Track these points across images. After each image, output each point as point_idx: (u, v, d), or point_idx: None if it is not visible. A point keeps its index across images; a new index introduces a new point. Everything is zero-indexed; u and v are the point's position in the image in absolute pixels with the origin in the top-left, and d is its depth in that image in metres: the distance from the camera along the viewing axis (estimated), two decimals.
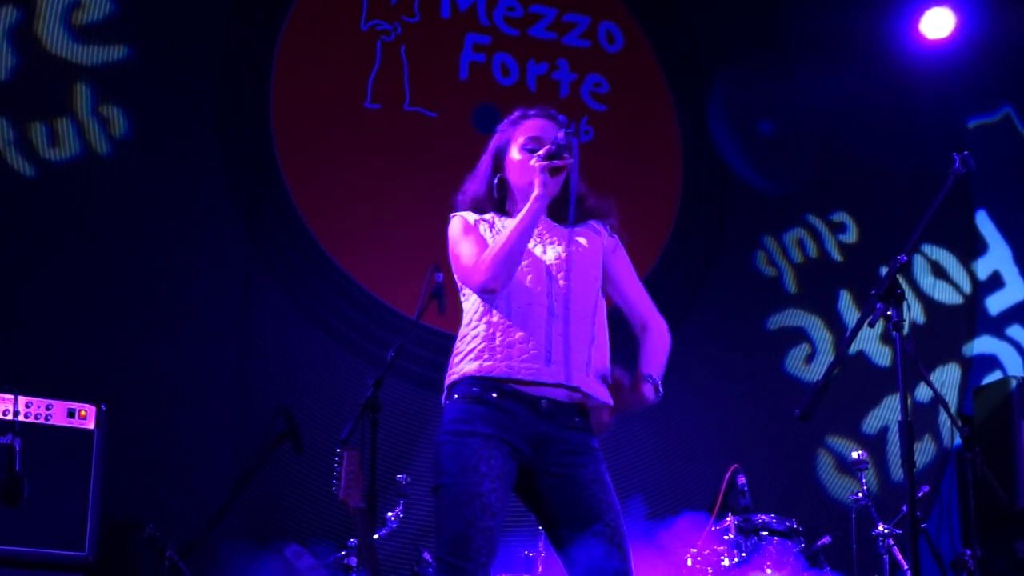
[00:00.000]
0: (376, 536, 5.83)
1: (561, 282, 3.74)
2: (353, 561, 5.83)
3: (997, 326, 8.90)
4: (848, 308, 8.49)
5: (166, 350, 6.74)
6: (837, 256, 8.60)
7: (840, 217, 8.67)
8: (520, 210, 3.74)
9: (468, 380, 3.70)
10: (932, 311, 8.73)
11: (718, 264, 8.28)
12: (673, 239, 8.10)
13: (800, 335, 8.40)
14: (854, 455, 6.53)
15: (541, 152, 3.74)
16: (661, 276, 7.89)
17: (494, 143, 4.01)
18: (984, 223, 8.97)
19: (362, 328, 7.26)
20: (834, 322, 8.44)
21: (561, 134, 3.75)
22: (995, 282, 8.96)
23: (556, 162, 3.70)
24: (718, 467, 6.55)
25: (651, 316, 3.98)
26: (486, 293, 3.70)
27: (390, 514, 6.11)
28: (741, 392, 8.01)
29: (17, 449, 4.71)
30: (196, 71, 7.18)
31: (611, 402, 3.78)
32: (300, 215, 7.29)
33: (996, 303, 8.94)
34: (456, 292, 4.00)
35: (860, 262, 8.53)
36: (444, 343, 7.32)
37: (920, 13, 8.44)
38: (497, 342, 3.68)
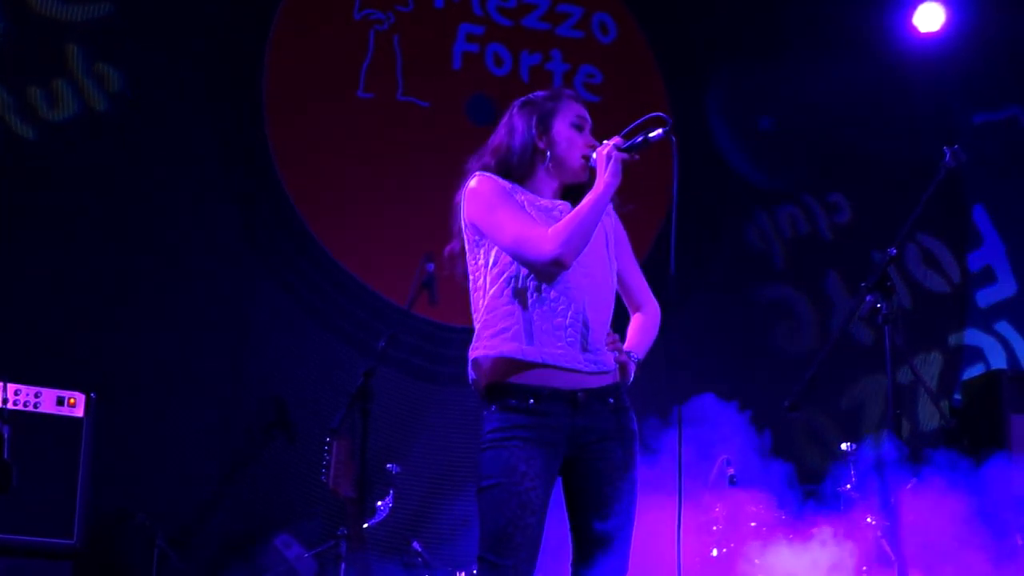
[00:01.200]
0: (366, 525, 5.83)
1: (590, 269, 3.74)
2: (343, 550, 5.82)
3: (985, 319, 8.93)
4: (836, 287, 8.55)
5: (158, 339, 6.74)
6: (829, 235, 8.68)
7: (836, 199, 8.74)
8: (564, 184, 3.81)
9: (504, 388, 3.67)
10: (920, 298, 8.78)
11: (711, 241, 8.30)
12: (664, 229, 8.10)
13: (786, 310, 8.46)
14: (843, 447, 6.53)
15: (619, 141, 3.74)
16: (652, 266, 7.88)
17: (531, 112, 3.89)
18: (981, 217, 9.01)
19: (353, 317, 7.25)
20: (820, 299, 8.50)
21: (660, 132, 3.74)
22: (987, 276, 8.99)
23: (629, 156, 3.72)
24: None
25: (647, 299, 3.99)
26: (556, 267, 3.63)
27: (380, 503, 6.11)
28: (724, 362, 8.02)
29: (5, 437, 4.70)
30: (189, 65, 7.16)
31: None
32: (292, 203, 7.29)
33: (986, 297, 8.97)
34: (456, 271, 3.95)
35: (852, 244, 8.62)
36: (435, 332, 7.38)
37: (913, 8, 8.53)
38: (534, 325, 3.65)
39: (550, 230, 3.63)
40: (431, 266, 5.65)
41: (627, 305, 3.99)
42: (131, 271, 6.80)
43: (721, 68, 8.51)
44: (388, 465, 6.26)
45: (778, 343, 8.36)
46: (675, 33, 8.55)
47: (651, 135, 3.73)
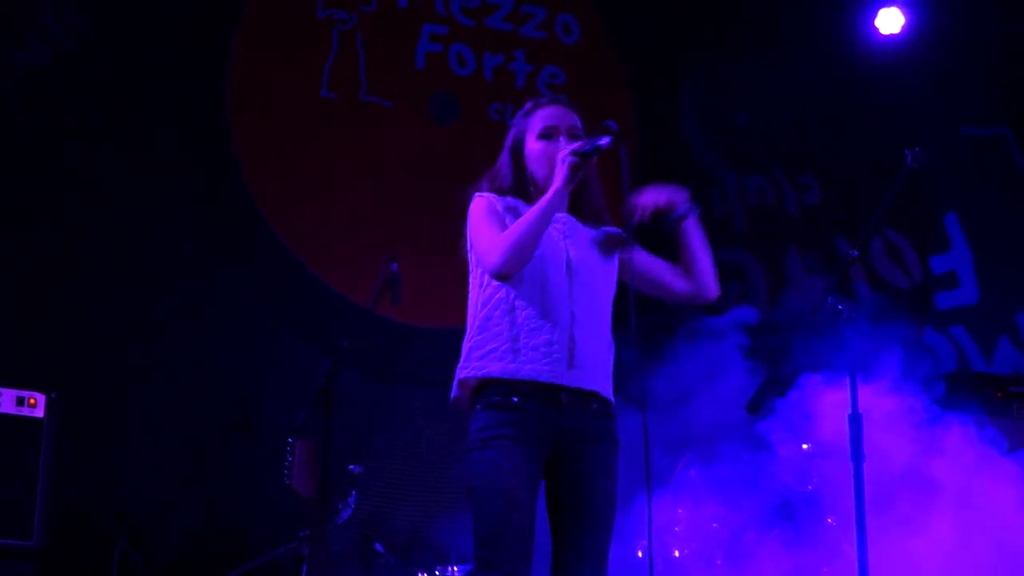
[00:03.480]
0: (328, 526, 5.81)
1: (582, 284, 3.75)
2: (305, 551, 5.80)
3: (942, 321, 9.04)
4: (795, 262, 8.63)
5: (119, 338, 6.70)
6: (795, 212, 8.76)
7: (807, 180, 8.84)
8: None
9: (488, 387, 3.69)
10: (878, 289, 8.88)
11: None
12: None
13: (740, 272, 8.54)
14: (804, 447, 6.56)
15: (576, 146, 3.73)
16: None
17: (511, 137, 3.95)
18: (952, 225, 9.14)
19: (316, 317, 7.24)
20: (776, 270, 8.58)
21: (607, 140, 3.72)
22: (950, 281, 9.10)
23: (580, 160, 3.70)
24: None
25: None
26: (499, 278, 3.67)
27: (342, 504, 6.09)
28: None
29: None
30: (152, 62, 7.12)
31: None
32: (255, 203, 7.27)
33: (945, 300, 9.08)
34: (466, 277, 3.96)
35: (817, 225, 8.75)
36: (399, 333, 7.37)
37: (875, 11, 8.68)
38: (520, 343, 3.68)
39: (496, 241, 3.66)
40: (394, 266, 5.63)
41: (667, 277, 3.92)
42: (93, 270, 6.76)
43: (687, 67, 8.55)
44: (350, 466, 6.24)
45: (727, 304, 8.45)
46: (639, 33, 8.58)
47: (600, 142, 3.72)
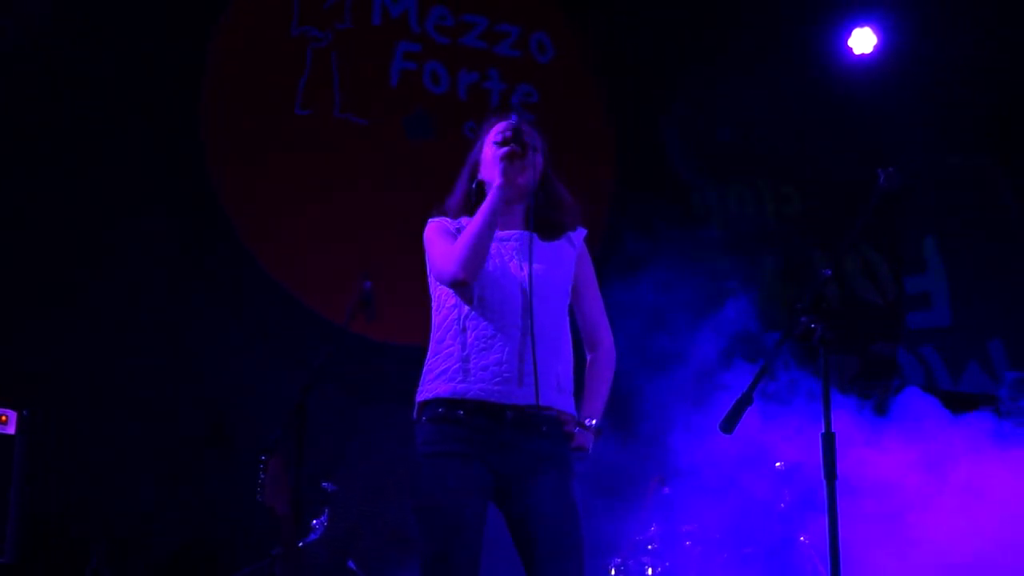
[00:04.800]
0: (300, 544, 5.80)
1: (535, 300, 3.74)
2: (277, 570, 5.78)
3: (912, 339, 9.11)
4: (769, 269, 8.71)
5: (93, 354, 6.67)
6: (773, 221, 8.85)
7: (788, 191, 8.92)
8: (518, 203, 3.78)
9: (436, 401, 3.70)
10: (851, 304, 8.95)
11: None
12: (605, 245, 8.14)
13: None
14: (777, 464, 6.58)
15: (497, 140, 3.78)
16: None
17: (472, 153, 4.00)
18: (930, 248, 9.23)
19: (290, 334, 7.22)
20: (751, 276, 8.64)
21: (513, 119, 3.78)
22: (923, 302, 9.18)
23: (511, 147, 3.73)
24: None
25: (603, 335, 3.99)
26: (457, 285, 3.69)
27: (315, 522, 6.08)
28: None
29: None
30: (127, 77, 7.10)
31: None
32: (229, 219, 7.25)
33: (917, 320, 9.15)
34: (427, 299, 3.99)
35: (795, 234, 8.85)
36: (373, 351, 7.36)
37: (849, 31, 8.79)
38: (470, 364, 3.68)
39: (449, 251, 3.69)
40: (368, 284, 5.62)
41: (583, 336, 4.00)
42: (65, 285, 6.73)
43: (663, 82, 8.59)
44: (323, 483, 6.23)
45: (699, 305, 8.49)
46: (614, 50, 8.62)
47: (511, 119, 3.82)
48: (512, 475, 3.69)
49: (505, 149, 3.74)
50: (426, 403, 3.74)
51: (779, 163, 8.98)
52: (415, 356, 7.24)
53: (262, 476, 5.29)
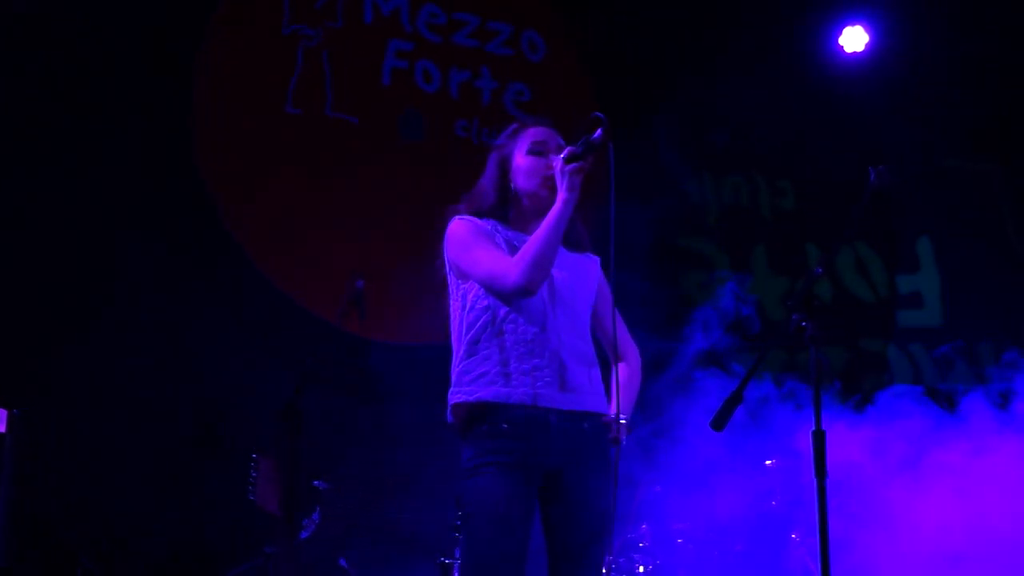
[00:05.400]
0: (293, 543, 5.80)
1: (567, 306, 3.80)
2: (270, 568, 5.79)
3: (901, 337, 9.15)
4: (760, 261, 8.72)
5: (86, 354, 6.65)
6: (768, 213, 8.85)
7: (784, 185, 8.99)
8: (546, 214, 3.72)
9: (479, 414, 3.72)
10: (841, 299, 8.97)
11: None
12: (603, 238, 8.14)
13: (705, 262, 8.61)
14: (767, 463, 6.60)
15: (567, 151, 3.75)
16: None
17: (496, 157, 3.99)
18: (924, 249, 9.26)
19: (282, 333, 7.22)
20: (741, 266, 8.66)
21: (599, 134, 3.74)
22: (914, 301, 9.21)
23: (581, 163, 3.72)
24: None
25: (631, 347, 4.06)
26: (523, 295, 3.69)
27: (306, 521, 6.08)
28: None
29: None
30: (118, 76, 7.09)
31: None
32: (220, 218, 7.25)
33: (907, 319, 9.19)
34: (435, 293, 3.99)
35: (789, 228, 8.87)
36: (364, 349, 7.35)
37: (840, 29, 8.84)
38: (510, 367, 3.71)
39: (514, 259, 3.68)
40: (360, 283, 5.63)
41: (607, 352, 4.03)
42: (60, 286, 6.71)
43: (655, 81, 8.59)
44: (315, 482, 6.23)
45: (690, 291, 8.50)
46: (606, 49, 8.61)
47: (592, 137, 3.74)
48: (555, 474, 3.73)
49: (575, 164, 3.71)
50: (465, 405, 3.75)
51: (776, 161, 9.01)
52: (408, 355, 7.28)
53: (254, 475, 5.30)
